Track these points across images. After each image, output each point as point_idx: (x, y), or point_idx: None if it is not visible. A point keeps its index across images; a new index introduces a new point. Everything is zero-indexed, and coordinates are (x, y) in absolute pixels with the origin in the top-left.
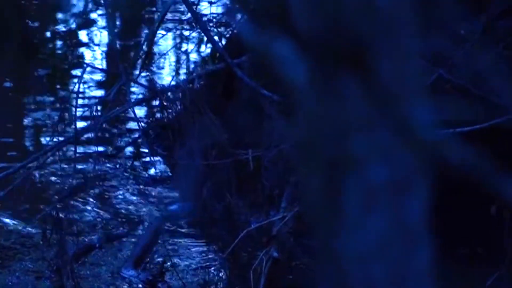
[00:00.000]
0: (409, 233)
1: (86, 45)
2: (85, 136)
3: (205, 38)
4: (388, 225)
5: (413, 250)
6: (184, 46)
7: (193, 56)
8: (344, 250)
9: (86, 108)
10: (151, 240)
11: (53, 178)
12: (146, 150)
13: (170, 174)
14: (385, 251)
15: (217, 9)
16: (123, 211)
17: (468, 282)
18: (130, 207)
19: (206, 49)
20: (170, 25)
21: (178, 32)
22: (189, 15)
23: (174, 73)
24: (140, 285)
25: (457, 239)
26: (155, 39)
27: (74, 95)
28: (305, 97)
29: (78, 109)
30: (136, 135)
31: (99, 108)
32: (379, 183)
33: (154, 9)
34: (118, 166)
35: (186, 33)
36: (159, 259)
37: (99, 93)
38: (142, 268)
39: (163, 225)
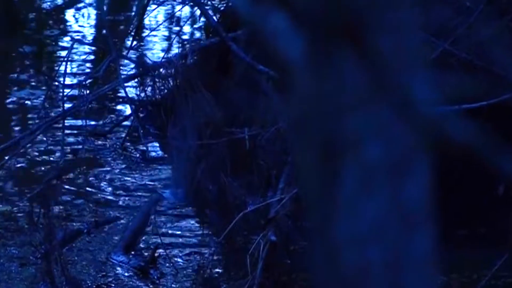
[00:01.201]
0: (408, 215)
1: (74, 20)
2: (73, 114)
3: (199, 12)
4: (385, 207)
5: (412, 233)
6: (177, 20)
7: (186, 31)
8: (339, 232)
9: (74, 86)
10: (141, 224)
11: (39, 159)
12: (137, 129)
13: (162, 154)
14: (381, 234)
15: None
16: (113, 193)
17: (470, 265)
18: (120, 189)
19: (199, 23)
20: None
21: (170, 5)
22: None
23: (166, 49)
24: (130, 271)
25: (458, 220)
26: (146, 13)
27: (62, 72)
28: (300, 73)
29: (65, 87)
30: (127, 114)
31: (87, 85)
32: (377, 163)
33: None
34: (108, 146)
35: (178, 6)
36: (150, 244)
37: (88, 70)
38: (133, 254)
39: (154, 209)
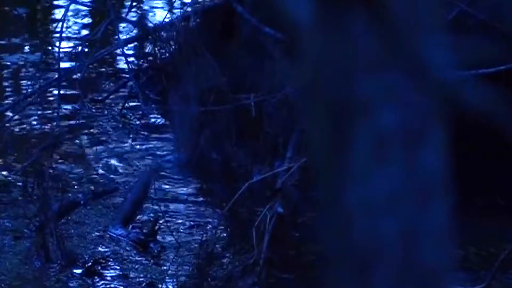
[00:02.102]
0: (423, 184)
1: None
2: (69, 80)
3: None
4: (400, 176)
5: (428, 203)
6: None
7: None
8: (351, 203)
9: (70, 49)
10: (140, 195)
11: (34, 126)
12: (137, 96)
13: (163, 121)
14: (396, 204)
15: None
16: (111, 163)
17: (489, 237)
18: (119, 159)
19: None
20: None
21: None
22: None
23: (167, 10)
24: (130, 245)
25: (476, 190)
26: None
27: (57, 35)
28: (309, 35)
29: (61, 50)
30: (126, 79)
31: (85, 49)
32: (390, 130)
33: None
34: (106, 113)
35: None
36: (150, 217)
37: (85, 32)
38: (132, 227)
39: (153, 179)
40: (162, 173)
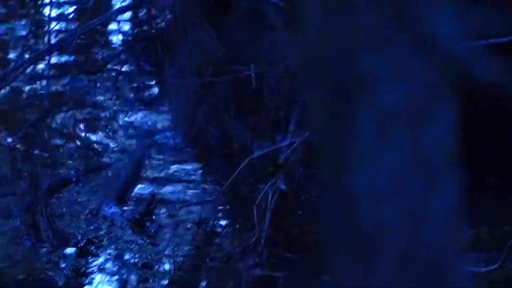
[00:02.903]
0: (431, 164)
1: None
2: (60, 50)
3: None
4: (406, 155)
5: (435, 184)
6: None
7: None
8: (355, 184)
9: (61, 19)
10: (134, 172)
11: (23, 99)
12: (131, 67)
13: (159, 94)
14: (401, 187)
15: None
16: (104, 138)
17: (501, 217)
18: (112, 133)
19: None
20: None
21: None
22: None
23: None
24: (124, 224)
25: (487, 168)
26: None
27: (48, 4)
28: (312, 6)
29: (52, 20)
30: (120, 49)
31: (76, 17)
32: (395, 106)
33: None
34: (99, 85)
35: None
36: (146, 194)
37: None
38: (126, 205)
39: (147, 155)
40: (158, 149)
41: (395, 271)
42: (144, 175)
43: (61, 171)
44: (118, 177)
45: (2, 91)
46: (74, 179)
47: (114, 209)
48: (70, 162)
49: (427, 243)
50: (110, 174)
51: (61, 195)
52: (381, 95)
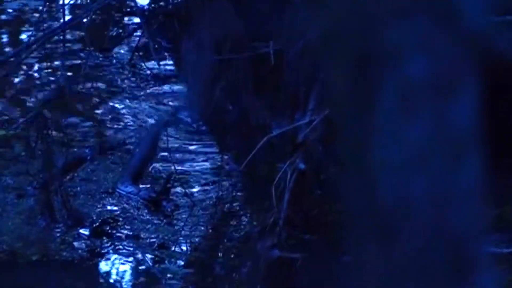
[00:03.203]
0: (454, 139)
1: None
2: (75, 26)
3: None
4: (428, 131)
5: (459, 160)
6: None
7: None
8: (376, 159)
9: None
10: (149, 150)
11: (37, 77)
12: (148, 43)
13: (175, 71)
14: (424, 162)
15: None
16: (119, 115)
17: None
18: (128, 110)
19: None
20: None
21: None
22: None
23: None
24: (140, 204)
25: (510, 146)
26: None
27: None
28: None
29: None
30: (136, 25)
31: None
32: (419, 80)
33: None
34: (114, 62)
35: None
36: (162, 173)
37: None
38: (143, 184)
39: (163, 133)
40: (175, 127)
41: (417, 252)
42: (161, 154)
43: (75, 150)
44: (133, 155)
45: (16, 69)
46: (88, 158)
47: (130, 188)
48: (85, 140)
49: (450, 222)
50: (125, 152)
51: (75, 174)
52: (404, 69)
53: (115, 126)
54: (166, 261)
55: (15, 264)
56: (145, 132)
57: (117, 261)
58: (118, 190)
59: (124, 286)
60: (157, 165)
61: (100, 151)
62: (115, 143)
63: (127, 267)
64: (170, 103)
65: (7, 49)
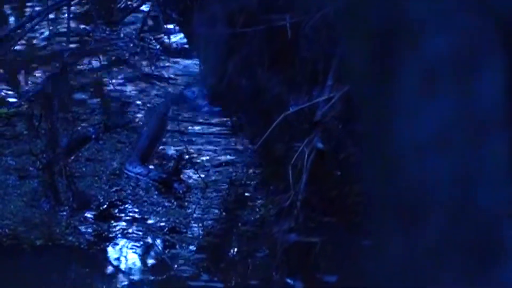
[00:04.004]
0: (479, 118)
1: None
2: None
3: None
4: (452, 109)
5: (484, 140)
6: None
7: None
8: (398, 139)
9: None
10: (158, 129)
11: (41, 52)
12: (158, 15)
13: (186, 45)
14: (448, 143)
15: None
16: (127, 91)
17: None
18: (135, 86)
19: None
20: None
21: None
22: None
23: None
24: (150, 185)
25: None
26: None
27: None
28: None
29: None
30: None
31: None
32: (442, 58)
33: None
34: (122, 36)
35: None
36: (173, 153)
37: None
38: (153, 164)
39: (173, 110)
40: (186, 104)
41: (441, 235)
42: (171, 133)
43: (79, 128)
44: (141, 134)
45: (21, 43)
46: (94, 137)
47: (139, 169)
48: (90, 118)
49: (476, 203)
50: (132, 131)
51: (80, 153)
52: (426, 45)
53: (122, 103)
54: (177, 246)
55: (18, 249)
56: (153, 111)
57: (125, 246)
58: (126, 171)
59: (133, 272)
60: (167, 144)
61: (105, 130)
62: (121, 121)
63: (135, 253)
64: (181, 80)
65: (10, 23)
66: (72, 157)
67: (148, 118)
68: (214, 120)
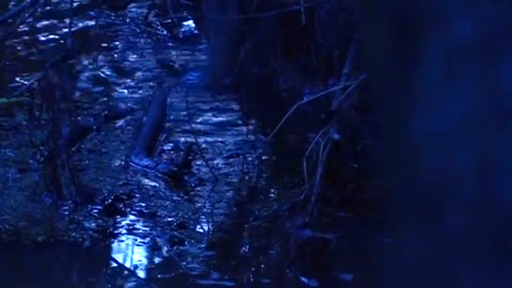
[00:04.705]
0: (504, 107)
1: None
2: None
3: None
4: (476, 98)
5: (509, 129)
6: None
7: None
8: (419, 129)
9: None
10: (159, 117)
11: (42, 38)
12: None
13: (196, 31)
14: (471, 132)
15: None
16: (132, 80)
17: None
18: (142, 74)
19: None
20: None
21: None
22: None
23: None
24: (158, 179)
25: None
26: None
27: None
28: None
29: None
30: None
31: None
32: (464, 44)
33: None
34: (128, 21)
35: None
36: (182, 144)
37: None
38: (160, 156)
39: (168, 96)
40: (195, 93)
41: (463, 230)
42: (180, 123)
43: (79, 118)
44: (143, 124)
45: (21, 28)
46: (94, 127)
47: (146, 161)
48: (91, 107)
49: (499, 197)
50: (135, 120)
51: (82, 145)
52: (448, 31)
53: (125, 92)
54: (185, 243)
55: (19, 245)
56: (151, 98)
57: (131, 243)
58: (132, 163)
59: (139, 270)
60: (173, 135)
61: (106, 120)
62: (122, 110)
63: (142, 249)
64: (190, 67)
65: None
66: (73, 149)
67: (147, 106)
68: (224, 109)
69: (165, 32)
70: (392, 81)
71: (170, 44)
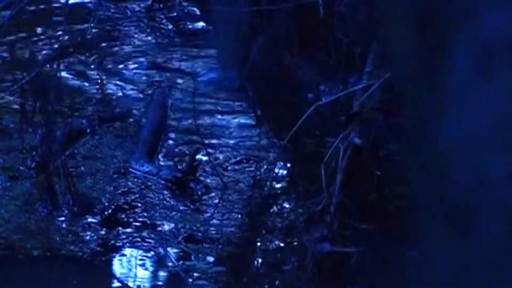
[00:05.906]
0: None
1: None
2: None
3: None
4: (509, 98)
5: None
6: None
7: None
8: (449, 133)
9: None
10: (160, 118)
11: (35, 33)
12: None
13: (203, 25)
14: (506, 137)
15: None
16: (133, 79)
17: None
18: (144, 72)
19: None
20: None
21: None
22: None
23: None
24: (162, 186)
25: None
26: None
27: None
28: None
29: None
30: None
31: None
32: (498, 40)
33: None
34: (129, 14)
35: None
36: (187, 148)
37: None
38: (163, 162)
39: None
40: (202, 93)
41: (497, 243)
42: (185, 126)
43: (70, 120)
44: (143, 127)
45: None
46: (88, 130)
47: (147, 167)
48: (83, 109)
49: None
50: (133, 123)
51: (75, 150)
52: (480, 27)
53: (126, 92)
54: (192, 257)
55: (13, 259)
56: (151, 99)
57: (133, 257)
58: (132, 169)
59: (142, 286)
60: (178, 138)
61: (100, 123)
62: (117, 112)
63: (145, 264)
64: (197, 64)
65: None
66: (68, 154)
67: (147, 108)
68: (235, 111)
69: (170, 27)
70: (418, 80)
71: (176, 39)
